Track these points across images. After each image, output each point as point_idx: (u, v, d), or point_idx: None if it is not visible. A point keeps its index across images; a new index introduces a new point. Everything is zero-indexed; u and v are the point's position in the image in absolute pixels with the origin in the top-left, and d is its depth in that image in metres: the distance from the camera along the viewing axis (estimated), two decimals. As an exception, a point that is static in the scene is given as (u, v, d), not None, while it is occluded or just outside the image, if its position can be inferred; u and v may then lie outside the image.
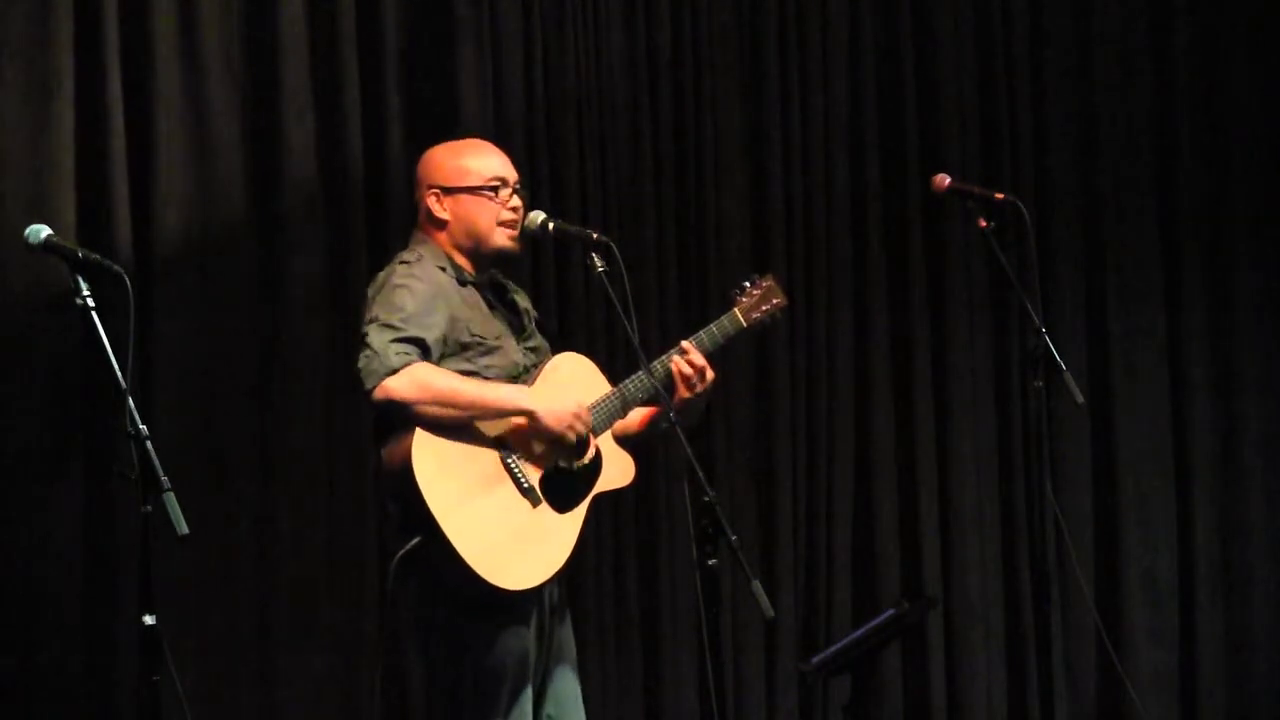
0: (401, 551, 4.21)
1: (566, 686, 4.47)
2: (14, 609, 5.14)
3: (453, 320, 4.34)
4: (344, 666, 5.51)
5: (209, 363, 5.43)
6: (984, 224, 4.92)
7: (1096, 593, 6.72)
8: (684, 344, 4.49)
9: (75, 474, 5.21)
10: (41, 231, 3.85)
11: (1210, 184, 7.05)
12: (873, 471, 6.50)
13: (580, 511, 4.36)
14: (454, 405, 4.22)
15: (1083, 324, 6.88)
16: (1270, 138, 7.11)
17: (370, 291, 4.38)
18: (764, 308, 4.66)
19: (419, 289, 4.32)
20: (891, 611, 5.94)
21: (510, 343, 4.45)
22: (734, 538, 4.09)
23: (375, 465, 4.35)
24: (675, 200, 6.25)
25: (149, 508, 3.69)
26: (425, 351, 4.26)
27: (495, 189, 4.46)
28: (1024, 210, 4.96)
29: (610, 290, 4.33)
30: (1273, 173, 7.10)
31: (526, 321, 4.56)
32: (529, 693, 4.33)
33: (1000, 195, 4.97)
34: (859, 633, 5.92)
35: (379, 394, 4.20)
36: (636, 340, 4.31)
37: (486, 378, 4.36)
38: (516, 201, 4.48)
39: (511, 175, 4.51)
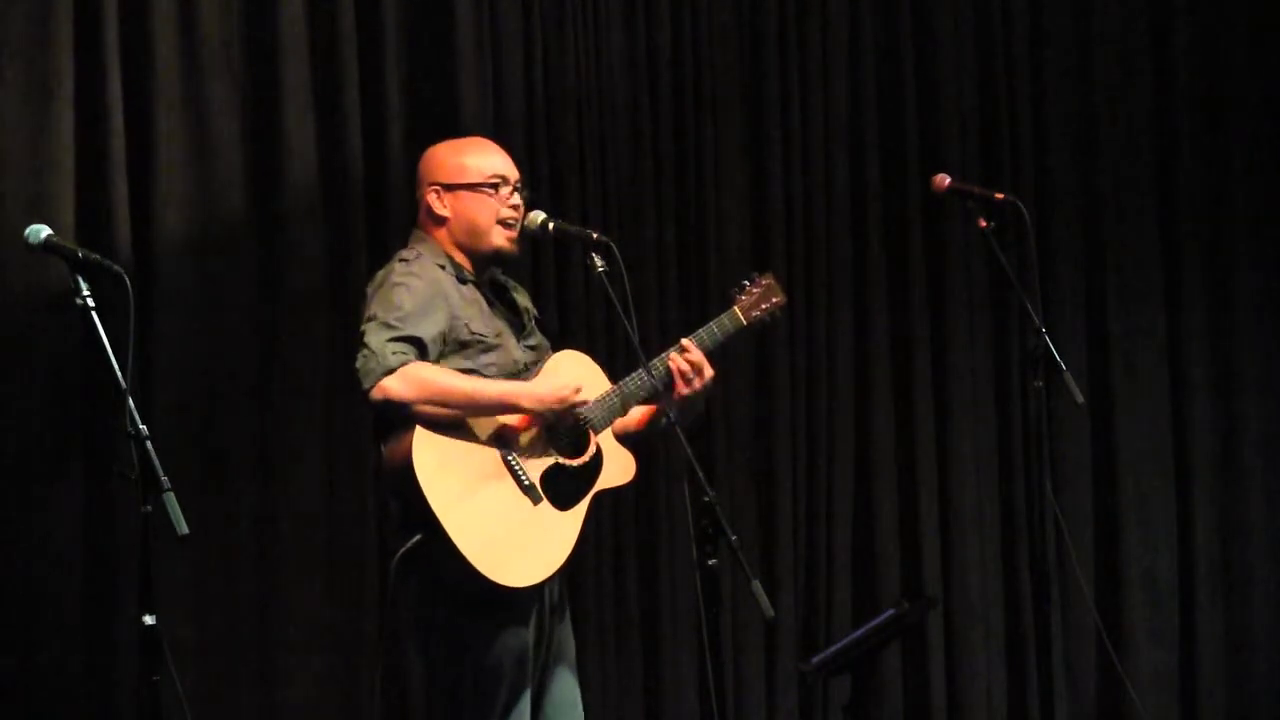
0: (403, 549, 4.21)
1: (565, 692, 4.47)
2: (14, 609, 5.14)
3: (452, 318, 4.35)
4: (344, 666, 5.51)
5: (209, 363, 5.43)
6: (984, 224, 4.92)
7: (1096, 593, 6.72)
8: (683, 341, 4.50)
9: (75, 474, 5.21)
10: (41, 231, 3.85)
11: (1210, 184, 7.06)
12: (873, 471, 6.50)
13: (581, 509, 4.37)
14: (449, 402, 4.22)
15: (1083, 324, 6.88)
16: (1270, 138, 7.11)
17: (370, 290, 4.39)
18: (763, 306, 4.66)
19: (417, 287, 4.32)
20: (891, 611, 5.94)
21: (510, 340, 4.46)
22: (734, 538, 4.09)
23: (376, 463, 4.35)
24: (675, 200, 6.25)
25: (149, 508, 3.69)
26: (422, 350, 4.26)
27: (495, 186, 4.47)
28: (1024, 210, 4.96)
29: (610, 290, 4.34)
30: (1273, 173, 7.10)
31: (526, 320, 4.56)
32: (528, 692, 4.33)
33: (1000, 195, 4.98)
34: (859, 633, 5.92)
35: (376, 394, 4.20)
36: (636, 340, 4.32)
37: (486, 375, 4.36)
38: (517, 200, 4.49)
39: (512, 174, 4.51)
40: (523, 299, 4.61)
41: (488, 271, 4.51)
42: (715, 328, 4.57)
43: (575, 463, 4.38)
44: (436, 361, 4.29)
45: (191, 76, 5.43)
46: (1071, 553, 6.34)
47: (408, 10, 5.78)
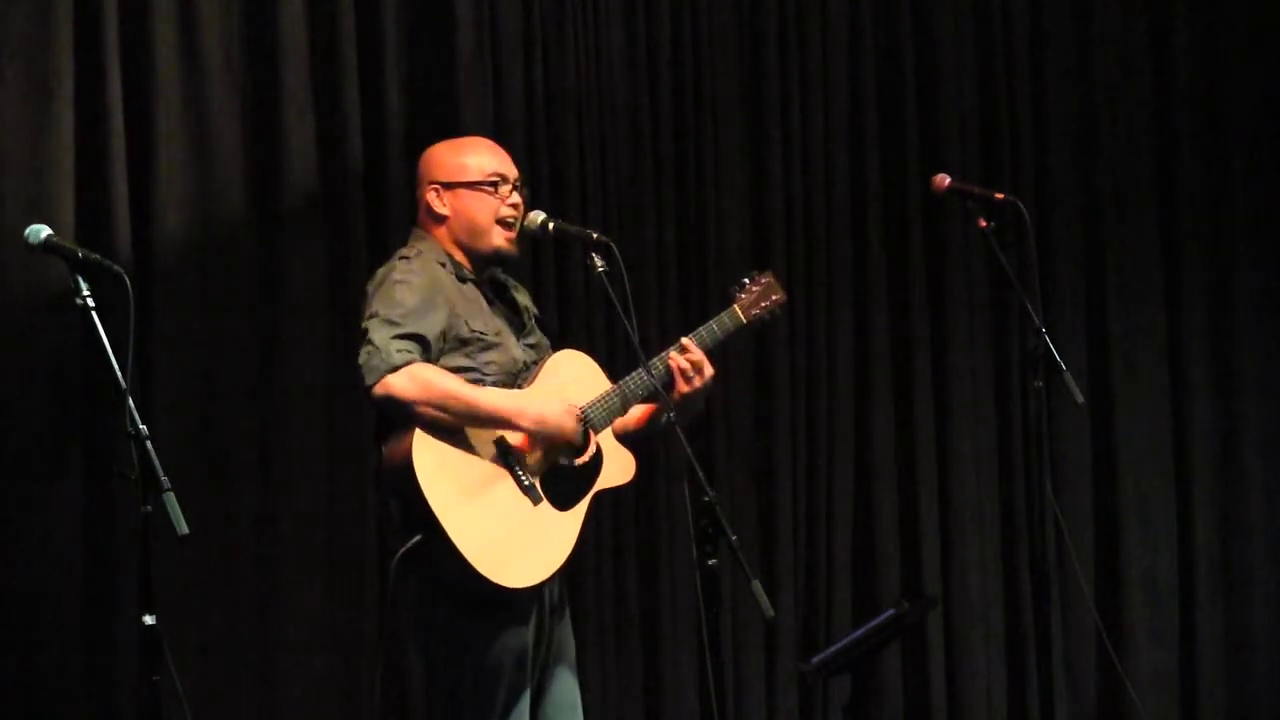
0: (402, 550, 4.21)
1: (565, 692, 4.47)
2: (14, 609, 5.14)
3: (452, 316, 4.35)
4: (344, 666, 5.51)
5: (209, 363, 5.43)
6: (984, 224, 4.92)
7: (1096, 593, 6.72)
8: (683, 340, 4.50)
9: (75, 474, 5.20)
10: (41, 231, 3.85)
11: (1210, 184, 7.06)
12: (873, 471, 6.50)
13: (581, 509, 4.37)
14: (450, 409, 4.22)
15: (1083, 324, 6.88)
16: (1270, 138, 7.11)
17: (370, 288, 4.39)
18: (763, 304, 4.66)
19: (419, 285, 4.32)
20: (891, 611, 5.93)
21: (510, 339, 4.46)
22: (734, 538, 4.09)
23: (376, 463, 4.35)
24: (675, 200, 6.25)
25: (149, 508, 3.69)
26: (426, 348, 4.27)
27: (495, 185, 4.47)
28: (1024, 210, 4.96)
29: (610, 290, 4.34)
30: (1273, 173, 7.10)
31: (526, 319, 4.57)
32: (527, 692, 4.33)
33: (1000, 195, 4.98)
34: (859, 633, 5.92)
35: (379, 390, 4.20)
36: (636, 340, 4.32)
37: (486, 374, 4.36)
38: (516, 198, 4.49)
39: (511, 172, 4.51)
40: (523, 298, 4.61)
41: (487, 270, 4.52)
42: (715, 326, 4.57)
43: (575, 463, 4.38)
44: (437, 359, 4.29)
45: (191, 76, 5.43)
46: (1071, 553, 6.34)
47: (408, 10, 5.78)
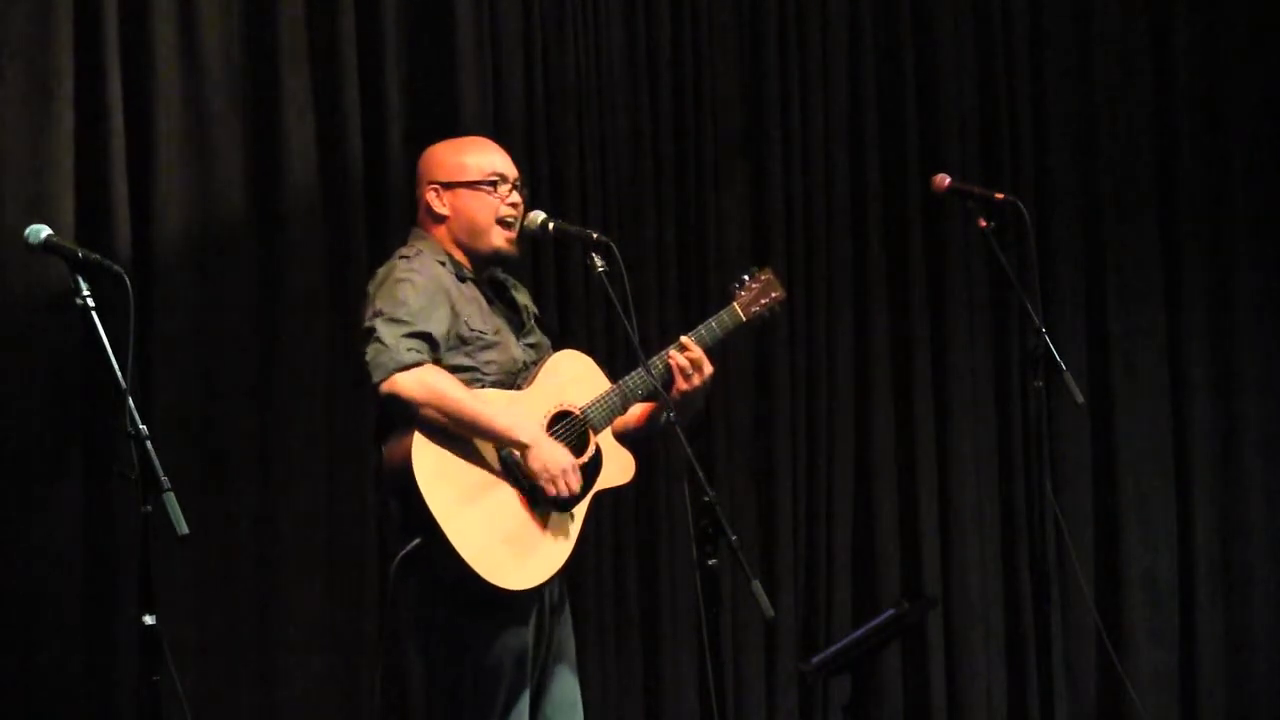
0: (402, 553, 4.21)
1: (565, 691, 4.47)
2: (14, 609, 5.14)
3: (453, 315, 4.35)
4: (344, 666, 5.51)
5: (209, 363, 5.43)
6: (984, 224, 4.92)
7: (1096, 593, 6.72)
8: (683, 339, 4.49)
9: (75, 474, 5.20)
10: (41, 231, 3.85)
11: (1210, 184, 7.06)
12: (873, 471, 6.50)
13: (581, 510, 4.36)
14: (454, 417, 4.22)
15: (1083, 324, 6.88)
16: (1270, 138, 7.11)
17: (371, 288, 4.38)
18: (763, 301, 4.66)
19: (421, 283, 4.32)
20: (891, 611, 5.93)
21: (510, 339, 4.46)
22: (734, 538, 4.09)
23: (376, 463, 4.35)
24: (675, 200, 6.25)
25: (149, 508, 3.69)
26: (435, 347, 4.27)
27: (494, 184, 4.47)
28: (1024, 210, 4.96)
29: (610, 290, 4.33)
30: (1273, 173, 7.10)
31: (526, 318, 4.56)
32: (527, 692, 4.33)
33: (1000, 195, 4.97)
34: (859, 633, 5.92)
35: (386, 387, 4.20)
36: (636, 339, 4.32)
37: (485, 373, 4.36)
38: (516, 198, 4.49)
39: (511, 172, 4.51)
40: (522, 297, 4.61)
41: (487, 270, 4.52)
42: (715, 324, 4.57)
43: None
44: (440, 359, 4.29)
45: (191, 76, 5.43)
46: (1071, 553, 6.34)
47: (408, 10, 5.78)
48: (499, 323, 4.46)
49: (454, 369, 4.31)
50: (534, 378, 4.42)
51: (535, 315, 4.62)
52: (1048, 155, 6.85)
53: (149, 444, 3.71)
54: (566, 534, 4.33)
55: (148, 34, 5.36)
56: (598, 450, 4.41)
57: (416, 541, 4.19)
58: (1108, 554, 6.86)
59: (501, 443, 4.27)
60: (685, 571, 6.06)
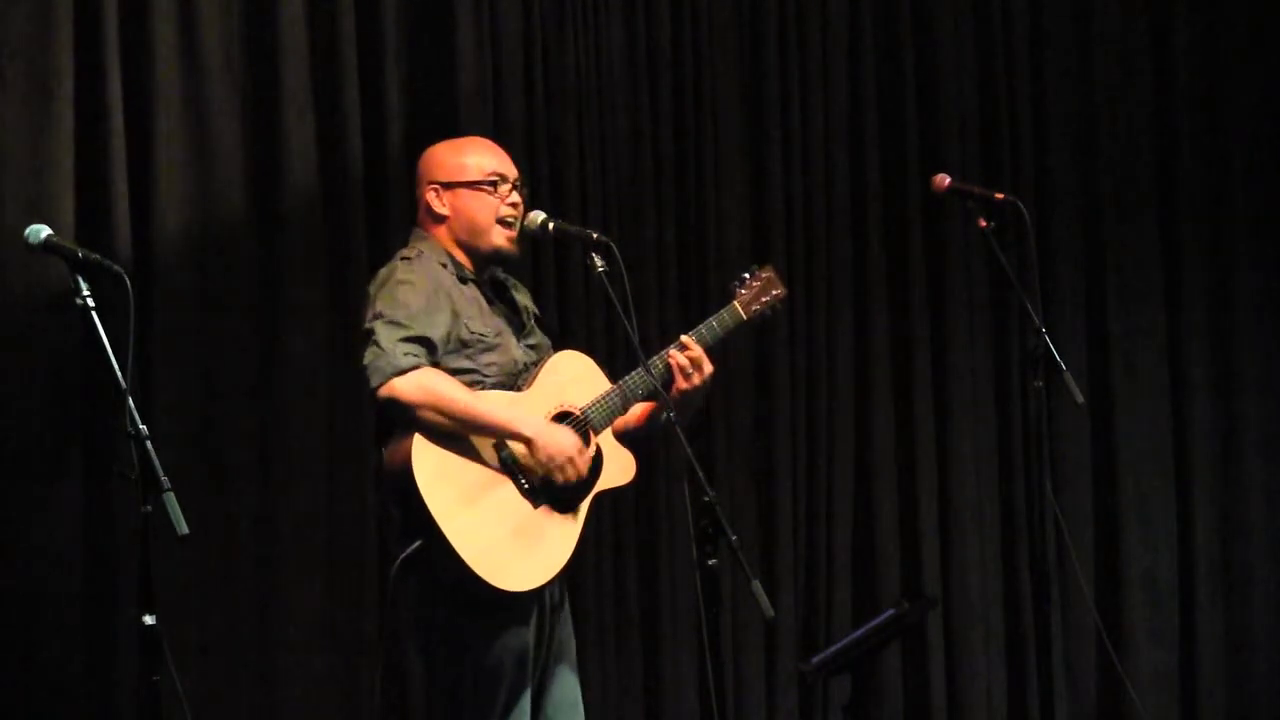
0: (403, 554, 4.21)
1: (566, 691, 4.47)
2: (14, 609, 5.14)
3: (454, 318, 4.35)
4: (344, 666, 5.51)
5: (209, 363, 5.43)
6: (984, 224, 4.92)
7: (1096, 593, 6.72)
8: (683, 338, 4.49)
9: (75, 474, 5.20)
10: (41, 231, 3.85)
11: (1210, 184, 7.06)
12: (873, 471, 6.50)
13: (581, 511, 4.36)
14: (454, 417, 4.22)
15: (1083, 324, 6.88)
16: (1270, 138, 7.11)
17: (371, 289, 4.38)
18: (763, 299, 4.65)
19: (422, 286, 4.32)
20: (891, 611, 5.93)
21: (510, 340, 4.45)
22: (734, 538, 4.09)
23: (376, 465, 4.35)
24: (675, 200, 6.25)
25: (149, 508, 3.69)
26: (432, 351, 4.27)
27: (494, 184, 4.47)
28: (1024, 210, 4.96)
29: (610, 290, 4.33)
30: (1273, 173, 7.10)
31: (526, 319, 4.56)
32: (528, 692, 4.33)
33: (1000, 195, 4.97)
34: (859, 633, 5.92)
35: (384, 392, 4.20)
36: (636, 339, 4.32)
37: (486, 375, 4.36)
38: (516, 198, 4.49)
39: (511, 172, 4.51)
40: (523, 298, 4.61)
41: (488, 270, 4.51)
42: (715, 323, 4.57)
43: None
44: (439, 361, 4.29)
45: (191, 76, 5.43)
46: (1071, 553, 6.34)
47: (408, 10, 5.78)
48: (499, 324, 4.45)
49: (454, 372, 4.30)
50: (534, 378, 4.42)
51: (535, 315, 4.62)
52: (1048, 155, 6.85)
53: (149, 444, 3.71)
54: (567, 535, 4.32)
55: (148, 34, 5.36)
56: (598, 450, 4.41)
57: (417, 544, 4.18)
58: (1108, 554, 6.86)
59: (504, 437, 4.27)
60: (685, 571, 6.06)
